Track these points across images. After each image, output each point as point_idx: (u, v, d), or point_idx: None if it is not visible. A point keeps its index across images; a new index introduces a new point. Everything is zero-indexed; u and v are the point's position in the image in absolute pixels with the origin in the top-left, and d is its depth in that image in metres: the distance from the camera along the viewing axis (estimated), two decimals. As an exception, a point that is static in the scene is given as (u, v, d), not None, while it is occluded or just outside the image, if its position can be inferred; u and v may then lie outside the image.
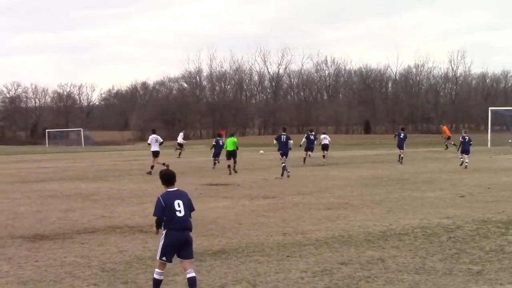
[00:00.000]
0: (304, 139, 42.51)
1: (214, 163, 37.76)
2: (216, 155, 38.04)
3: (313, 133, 44.62)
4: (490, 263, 11.46)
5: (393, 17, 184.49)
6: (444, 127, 61.99)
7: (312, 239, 13.95)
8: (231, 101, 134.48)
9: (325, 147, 43.95)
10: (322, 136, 44.86)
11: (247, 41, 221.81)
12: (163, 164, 32.05)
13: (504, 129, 78.92)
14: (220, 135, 41.16)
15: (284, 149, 31.43)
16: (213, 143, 39.16)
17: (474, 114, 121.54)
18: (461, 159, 36.10)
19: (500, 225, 15.52)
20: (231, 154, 34.71)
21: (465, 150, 35.79)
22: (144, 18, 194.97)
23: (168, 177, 9.87)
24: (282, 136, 31.91)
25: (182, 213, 9.56)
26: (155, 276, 9.70)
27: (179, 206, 9.57)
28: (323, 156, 43.02)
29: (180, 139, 56.67)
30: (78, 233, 15.32)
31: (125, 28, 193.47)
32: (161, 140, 35.56)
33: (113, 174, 33.80)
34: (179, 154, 54.02)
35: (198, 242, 13.90)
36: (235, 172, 33.74)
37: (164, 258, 9.52)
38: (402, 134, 41.76)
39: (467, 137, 36.25)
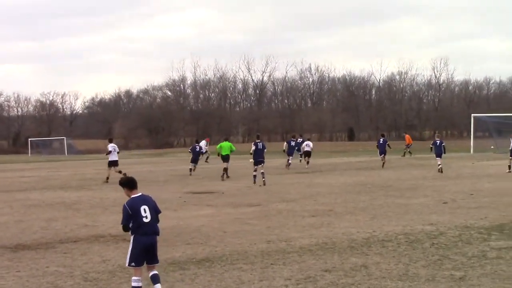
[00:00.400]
0: (285, 144, 43.22)
1: (191, 171, 38.59)
2: (194, 161, 38.94)
3: (296, 139, 45.19)
4: (472, 269, 11.50)
5: (377, 24, 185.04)
6: (407, 136, 62.28)
7: (296, 247, 13.95)
8: (215, 109, 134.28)
9: (307, 154, 44.29)
10: (305, 143, 45.22)
11: (231, 49, 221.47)
12: (119, 172, 32.64)
13: (486, 135, 79.28)
14: (197, 142, 41.89)
15: (258, 157, 31.58)
16: (189, 150, 40.51)
17: (457, 121, 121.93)
18: (439, 165, 36.54)
19: (482, 231, 15.58)
20: (226, 158, 35.20)
21: (437, 154, 36.70)
22: (127, 27, 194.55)
23: (131, 182, 9.96)
24: (258, 144, 32.11)
25: (149, 219, 9.69)
26: (133, 284, 9.78)
27: (145, 212, 9.69)
28: (307, 163, 43.41)
29: (203, 147, 55.09)
30: (61, 243, 15.25)
31: (109, 37, 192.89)
32: (118, 150, 35.85)
33: (96, 183, 33.68)
34: (207, 158, 53.38)
35: (181, 250, 13.90)
36: (227, 176, 34.33)
37: (133, 264, 9.67)
38: (382, 140, 43.70)
39: (438, 141, 37.27)
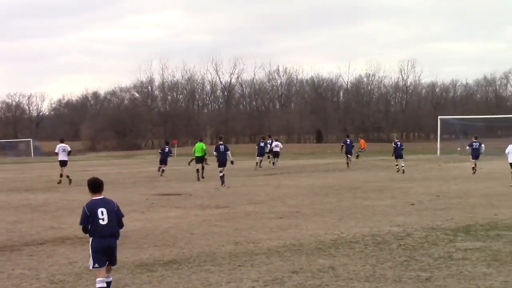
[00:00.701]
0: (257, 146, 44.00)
1: (159, 170, 39.03)
2: (162, 162, 39.24)
3: (265, 140, 45.55)
4: (438, 269, 11.59)
5: (345, 27, 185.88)
6: (362, 140, 62.76)
7: (263, 248, 13.96)
8: (183, 111, 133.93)
9: (275, 155, 44.66)
10: (274, 143, 45.55)
11: (199, 51, 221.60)
12: (67, 176, 32.72)
13: (453, 137, 79.97)
14: (167, 143, 42.35)
15: (221, 159, 31.57)
16: (159, 151, 41.07)
17: (424, 123, 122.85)
18: (397, 165, 38.59)
19: (448, 232, 15.71)
20: (200, 160, 35.69)
21: (398, 155, 38.57)
22: (95, 28, 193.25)
23: (94, 185, 10.03)
24: (220, 146, 32.09)
25: (105, 221, 9.74)
26: (98, 285, 9.84)
27: (102, 214, 9.75)
28: (273, 164, 43.83)
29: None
30: (27, 245, 15.10)
31: (76, 38, 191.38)
32: (69, 149, 35.57)
33: (62, 185, 33.37)
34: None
35: (149, 252, 13.84)
36: (202, 177, 34.72)
37: (96, 266, 9.76)
38: (349, 141, 45.56)
39: (398, 143, 39.22)
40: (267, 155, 46.07)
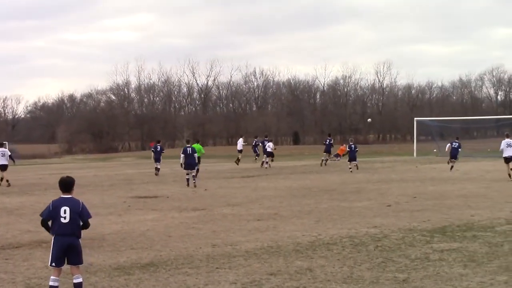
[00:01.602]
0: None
1: (156, 170, 40.34)
2: (157, 160, 40.69)
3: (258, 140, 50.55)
4: (415, 271, 11.64)
5: (321, 29, 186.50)
6: (342, 148, 62.64)
7: (241, 251, 13.95)
8: (159, 113, 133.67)
9: (269, 154, 45.46)
10: (267, 144, 46.76)
11: (176, 53, 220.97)
12: (6, 180, 32.91)
13: (429, 139, 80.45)
14: (159, 142, 43.63)
15: (188, 161, 32.00)
16: (152, 150, 42.78)
17: (401, 124, 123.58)
18: (350, 168, 40.42)
19: (425, 233, 15.79)
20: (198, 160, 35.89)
21: (352, 158, 40.80)
22: (71, 30, 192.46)
23: (62, 184, 10.15)
24: (188, 148, 32.55)
25: (67, 220, 9.85)
26: (50, 283, 10.02)
27: (64, 213, 9.86)
28: (266, 162, 46.60)
29: (240, 145, 54.58)
30: (3, 249, 15.00)
31: (52, 40, 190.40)
32: (9, 153, 36.04)
33: (39, 188, 33.17)
34: (238, 160, 52.28)
35: (126, 255, 13.78)
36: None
37: (53, 264, 9.90)
38: (328, 140, 49.32)
39: (353, 146, 41.14)
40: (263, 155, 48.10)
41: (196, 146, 36.52)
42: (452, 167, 39.22)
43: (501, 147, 32.13)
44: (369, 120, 59.53)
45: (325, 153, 49.18)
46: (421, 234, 15.70)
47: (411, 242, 14.62)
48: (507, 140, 32.12)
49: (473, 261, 12.35)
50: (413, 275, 11.29)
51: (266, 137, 51.55)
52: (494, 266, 11.87)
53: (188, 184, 31.38)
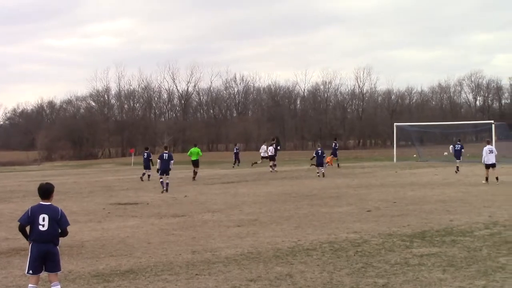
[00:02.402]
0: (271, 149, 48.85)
1: (143, 176, 41.44)
2: (146, 168, 41.85)
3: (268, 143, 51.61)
4: (395, 276, 11.66)
5: (302, 35, 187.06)
6: (329, 158, 62.64)
7: (221, 257, 13.93)
8: (140, 119, 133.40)
9: (271, 158, 48.57)
10: (270, 148, 49.32)
11: (156, 59, 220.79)
12: None
13: (409, 144, 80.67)
14: (147, 148, 45.81)
15: (163, 167, 32.62)
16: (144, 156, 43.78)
17: (380, 129, 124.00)
18: (318, 173, 41.22)
19: (405, 238, 15.83)
20: (195, 163, 40.52)
21: (319, 163, 41.70)
22: (50, 36, 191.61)
23: (41, 191, 10.16)
24: (164, 154, 33.41)
25: (45, 228, 9.83)
26: None
27: (43, 221, 9.85)
28: (270, 166, 48.26)
29: (263, 151, 54.39)
30: (-19, 257, 14.88)
31: (32, 46, 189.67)
32: None
33: (17, 195, 32.98)
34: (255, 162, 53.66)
35: (105, 262, 13.72)
36: (194, 180, 39.15)
37: (30, 272, 9.88)
38: (334, 144, 53.49)
39: (320, 151, 41.85)
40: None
41: (194, 149, 41.02)
42: (457, 167, 42.02)
43: (483, 154, 32.75)
44: (445, 153, 60.69)
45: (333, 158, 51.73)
46: (400, 239, 15.74)
47: (391, 247, 14.66)
48: (488, 147, 32.84)
49: (452, 266, 12.40)
50: (393, 280, 11.32)
51: (273, 140, 51.92)
52: (472, 271, 11.92)
53: (163, 188, 31.88)
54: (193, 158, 40.87)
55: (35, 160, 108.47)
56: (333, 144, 54.21)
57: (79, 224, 19.32)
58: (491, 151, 32.68)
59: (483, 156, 32.79)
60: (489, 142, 34.50)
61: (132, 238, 17.10)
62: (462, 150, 44.10)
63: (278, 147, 50.76)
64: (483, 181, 32.19)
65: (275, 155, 48.84)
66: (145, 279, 11.92)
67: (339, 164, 52.50)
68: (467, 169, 44.36)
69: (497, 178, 31.93)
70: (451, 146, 45.60)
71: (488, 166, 32.47)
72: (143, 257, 14.22)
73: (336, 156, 53.38)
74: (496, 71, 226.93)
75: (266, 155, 51.84)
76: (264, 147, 54.66)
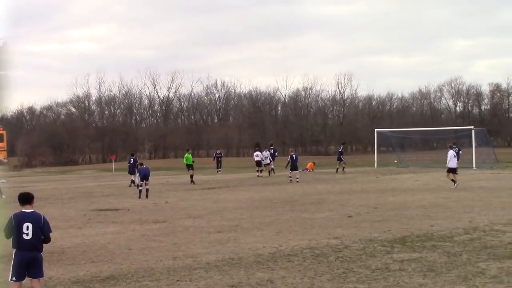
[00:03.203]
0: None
1: (132, 182, 40.76)
2: (132, 173, 41.41)
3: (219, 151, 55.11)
4: (376, 281, 11.71)
5: (283, 40, 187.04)
6: (311, 163, 62.37)
7: (202, 263, 13.92)
8: (120, 125, 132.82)
9: (258, 164, 48.91)
10: (266, 153, 49.55)
11: (137, 65, 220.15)
12: None
13: (390, 150, 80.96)
14: (132, 154, 46.28)
15: (144, 173, 32.85)
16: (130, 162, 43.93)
17: (361, 135, 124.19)
18: (290, 178, 41.21)
19: (385, 243, 15.89)
20: (190, 167, 42.85)
21: (293, 167, 41.65)
22: (29, 42, 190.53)
23: (21, 198, 10.17)
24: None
25: (30, 236, 9.85)
26: None
27: (27, 229, 9.86)
28: (269, 171, 49.00)
29: (257, 158, 52.16)
30: (-40, 264, 14.76)
31: (11, 51, 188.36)
32: None
33: (-2, 201, 32.75)
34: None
35: (86, 268, 13.67)
36: (193, 182, 41.00)
37: (14, 279, 9.87)
38: (341, 148, 53.87)
39: (294, 156, 42.26)
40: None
41: (189, 155, 43.86)
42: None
43: (448, 159, 33.61)
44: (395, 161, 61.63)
45: (337, 162, 51.95)
46: (381, 244, 15.80)
47: (372, 252, 14.71)
48: (452, 152, 33.98)
49: (433, 271, 12.46)
50: (374, 285, 11.36)
51: (271, 145, 52.11)
52: (452, 276, 11.99)
53: (140, 196, 31.86)
54: (188, 162, 43.39)
55: (15, 167, 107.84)
56: (340, 147, 54.34)
57: (59, 231, 19.23)
58: (455, 156, 33.94)
59: (448, 160, 33.61)
60: (452, 148, 35.93)
61: (113, 244, 17.05)
62: (460, 152, 44.99)
63: (276, 153, 50.53)
64: (452, 187, 32.53)
65: (273, 161, 49.42)
66: (126, 285, 11.89)
67: (344, 169, 51.93)
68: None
69: (453, 181, 32.90)
70: (451, 152, 42.80)
71: (450, 170, 33.18)
72: (124, 263, 14.18)
73: (341, 160, 52.17)
74: (476, 77, 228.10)
75: (268, 161, 51.28)
76: (258, 153, 54.06)
